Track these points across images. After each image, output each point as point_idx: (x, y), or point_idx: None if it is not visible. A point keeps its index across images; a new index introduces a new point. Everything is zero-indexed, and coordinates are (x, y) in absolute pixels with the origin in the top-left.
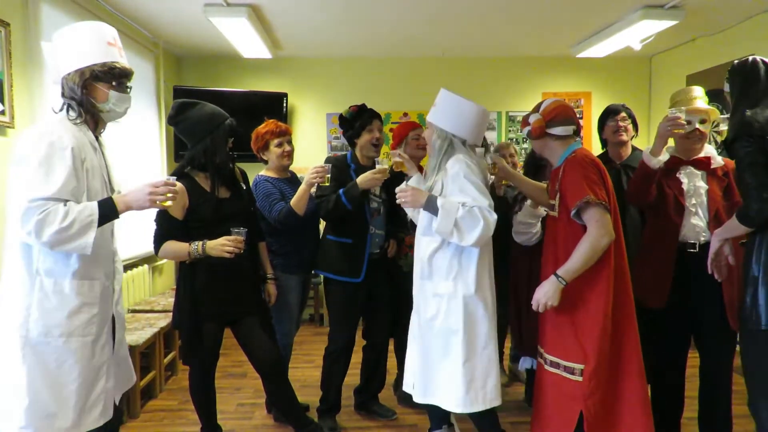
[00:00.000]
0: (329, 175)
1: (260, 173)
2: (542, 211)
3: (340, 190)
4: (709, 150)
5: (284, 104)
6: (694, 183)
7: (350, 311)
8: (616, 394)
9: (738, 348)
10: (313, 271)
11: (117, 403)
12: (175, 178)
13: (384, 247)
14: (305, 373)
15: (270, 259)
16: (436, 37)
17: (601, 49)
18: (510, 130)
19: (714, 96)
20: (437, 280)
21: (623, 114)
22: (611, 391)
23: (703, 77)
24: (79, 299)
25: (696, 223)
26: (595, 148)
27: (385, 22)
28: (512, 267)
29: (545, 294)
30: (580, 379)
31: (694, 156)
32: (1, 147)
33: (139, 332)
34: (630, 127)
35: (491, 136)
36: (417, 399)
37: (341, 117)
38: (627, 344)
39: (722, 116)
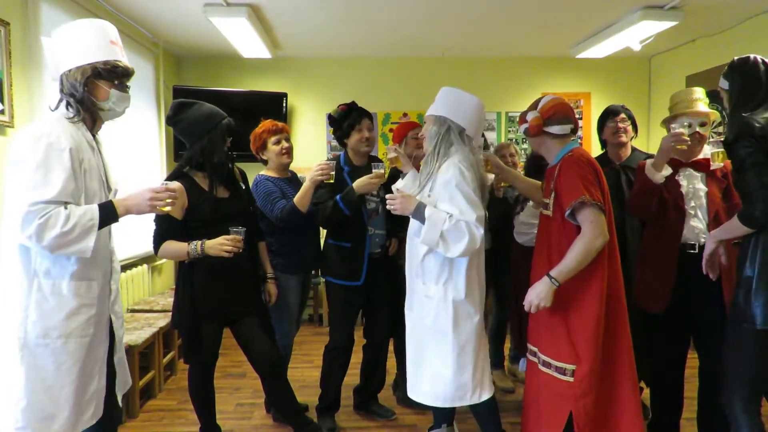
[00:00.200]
0: (333, 173)
1: (260, 173)
2: None
3: (337, 196)
4: (708, 151)
5: (284, 104)
6: (693, 185)
7: (350, 312)
8: (612, 396)
9: None
10: (314, 273)
11: (119, 404)
12: (173, 183)
13: (385, 246)
14: (304, 373)
15: (270, 259)
16: (436, 37)
17: (601, 49)
18: (510, 131)
19: (714, 97)
20: (428, 283)
21: (623, 115)
22: (605, 393)
23: (703, 78)
24: (78, 300)
25: (695, 224)
26: (595, 149)
27: (385, 22)
28: (513, 267)
29: (537, 295)
30: (571, 379)
31: (694, 158)
32: (1, 147)
33: (138, 332)
34: (629, 128)
35: (491, 137)
36: (408, 393)
37: (330, 116)
38: (620, 347)
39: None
